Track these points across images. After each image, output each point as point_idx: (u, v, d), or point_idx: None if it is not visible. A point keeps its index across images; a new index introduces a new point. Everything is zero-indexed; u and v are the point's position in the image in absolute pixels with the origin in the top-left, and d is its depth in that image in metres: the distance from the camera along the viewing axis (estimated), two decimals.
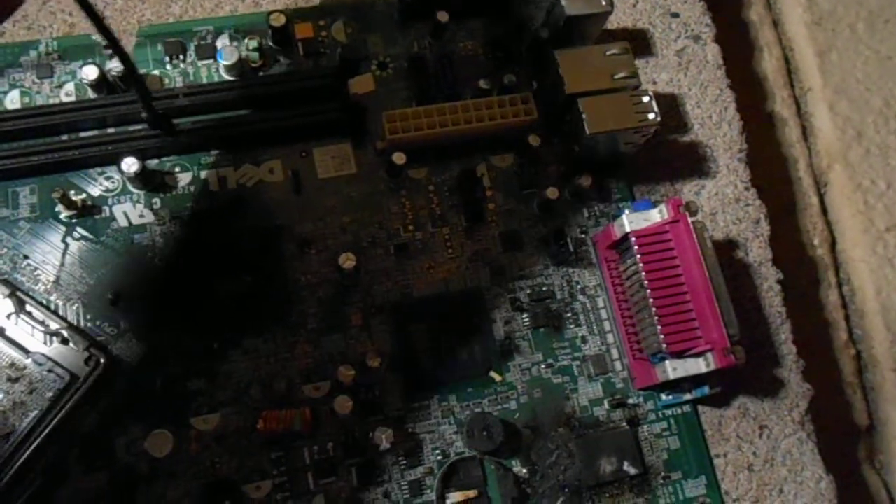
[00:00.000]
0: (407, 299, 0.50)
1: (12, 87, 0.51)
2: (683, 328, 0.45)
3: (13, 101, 0.50)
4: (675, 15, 0.60)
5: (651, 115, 0.49)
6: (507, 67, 0.55)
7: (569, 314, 0.51)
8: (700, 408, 0.51)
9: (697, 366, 0.46)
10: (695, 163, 0.57)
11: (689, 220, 0.47)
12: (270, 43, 0.53)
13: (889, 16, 0.69)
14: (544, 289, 0.51)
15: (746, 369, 0.50)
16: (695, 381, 0.48)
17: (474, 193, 0.50)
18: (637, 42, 0.59)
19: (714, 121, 0.58)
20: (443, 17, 0.53)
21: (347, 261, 0.47)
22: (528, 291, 0.51)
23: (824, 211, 0.65)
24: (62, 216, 0.48)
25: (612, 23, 0.58)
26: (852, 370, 0.62)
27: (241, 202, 0.50)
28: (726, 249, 0.55)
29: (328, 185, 0.51)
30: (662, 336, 0.45)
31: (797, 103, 0.68)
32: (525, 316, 0.50)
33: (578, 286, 0.51)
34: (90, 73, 0.49)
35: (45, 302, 0.46)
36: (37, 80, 0.51)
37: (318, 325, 0.48)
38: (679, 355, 0.46)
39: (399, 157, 0.50)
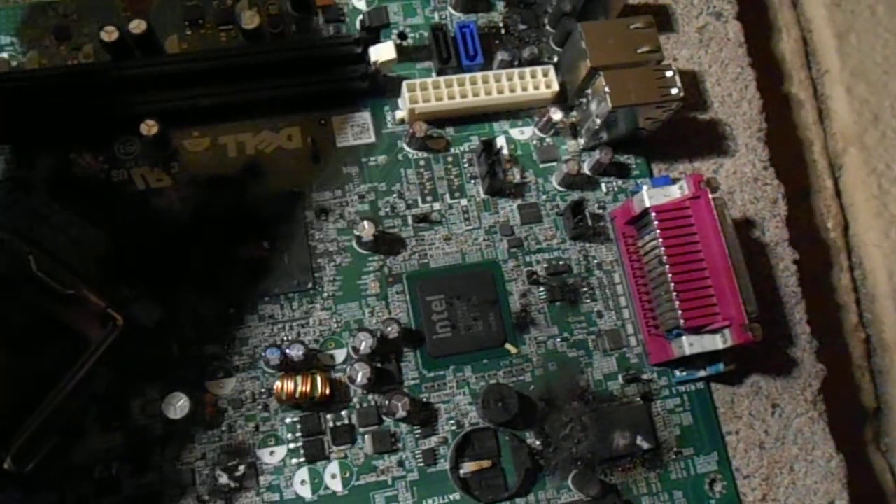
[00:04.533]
0: (424, 269, 0.49)
1: (31, 47, 0.50)
2: (701, 304, 0.45)
3: (32, 60, 0.50)
4: None
5: (674, 90, 0.49)
6: (529, 40, 0.55)
7: (585, 289, 0.51)
8: (713, 385, 0.51)
9: (714, 342, 0.46)
10: (714, 141, 0.56)
11: (710, 196, 0.47)
12: (290, 9, 0.53)
13: None
14: (561, 263, 0.51)
15: (760, 348, 0.50)
16: (709, 358, 0.48)
17: (493, 165, 0.50)
18: (658, 18, 0.58)
19: (734, 99, 0.57)
20: None
21: (365, 230, 0.47)
22: (545, 265, 0.51)
23: (838, 194, 0.65)
24: None
25: None
26: (861, 353, 0.62)
27: (259, 168, 0.50)
28: (743, 228, 0.54)
29: (347, 153, 0.51)
30: (680, 311, 0.45)
31: (814, 85, 0.68)
32: (541, 289, 0.50)
33: (595, 261, 0.51)
34: (109, 34, 0.48)
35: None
36: (54, 42, 0.51)
37: (334, 293, 0.48)
38: (696, 331, 0.46)
39: (419, 128, 0.50)
